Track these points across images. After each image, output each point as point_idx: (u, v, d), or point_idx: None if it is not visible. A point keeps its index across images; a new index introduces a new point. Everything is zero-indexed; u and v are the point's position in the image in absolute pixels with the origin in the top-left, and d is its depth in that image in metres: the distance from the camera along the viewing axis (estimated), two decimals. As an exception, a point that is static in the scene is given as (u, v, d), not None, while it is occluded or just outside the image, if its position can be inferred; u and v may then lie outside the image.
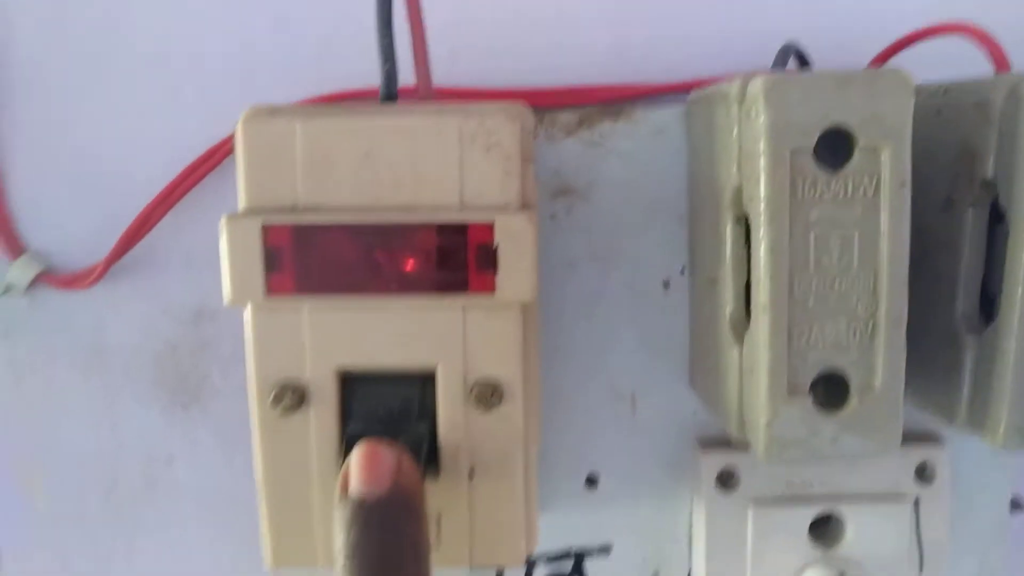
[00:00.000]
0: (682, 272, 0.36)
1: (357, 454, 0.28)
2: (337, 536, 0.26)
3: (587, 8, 0.38)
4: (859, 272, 0.28)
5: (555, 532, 0.38)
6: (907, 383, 0.34)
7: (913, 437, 0.37)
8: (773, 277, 0.28)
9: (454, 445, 0.31)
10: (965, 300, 0.31)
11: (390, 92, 0.32)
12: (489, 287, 0.29)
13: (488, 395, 0.30)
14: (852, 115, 0.27)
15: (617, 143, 0.35)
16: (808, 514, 0.37)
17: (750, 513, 0.36)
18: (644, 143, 0.35)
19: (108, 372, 0.39)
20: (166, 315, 0.39)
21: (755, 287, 0.28)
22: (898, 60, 0.36)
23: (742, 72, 0.29)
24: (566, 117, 0.35)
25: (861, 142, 0.27)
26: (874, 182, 0.27)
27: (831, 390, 0.29)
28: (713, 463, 0.37)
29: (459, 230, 0.29)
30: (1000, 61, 0.32)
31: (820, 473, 0.37)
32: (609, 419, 0.37)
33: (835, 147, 0.27)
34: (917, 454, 0.37)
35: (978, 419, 0.30)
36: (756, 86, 0.27)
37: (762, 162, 0.27)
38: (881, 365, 0.28)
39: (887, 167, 0.27)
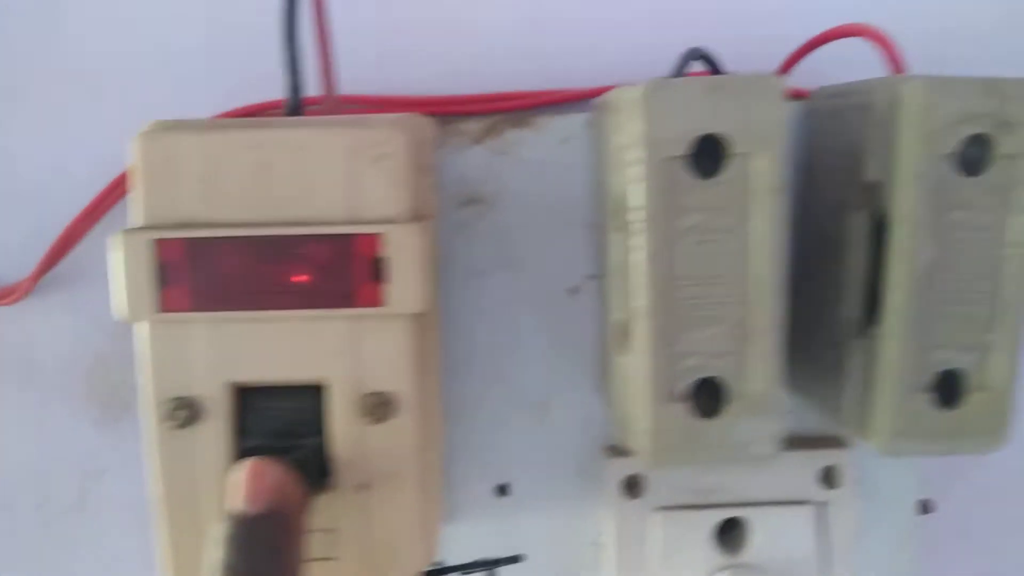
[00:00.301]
0: (591, 278, 0.37)
1: (240, 472, 0.28)
2: (213, 553, 0.26)
3: (497, 17, 0.38)
4: (734, 279, 0.28)
5: (466, 542, 0.38)
6: (800, 387, 0.35)
7: (818, 441, 0.37)
8: (650, 285, 0.28)
9: (347, 459, 0.31)
10: (849, 304, 0.31)
11: (295, 104, 0.32)
12: (377, 299, 0.29)
13: (379, 408, 0.30)
14: (724, 122, 0.27)
15: (524, 151, 0.35)
16: (713, 520, 0.37)
17: (656, 520, 0.37)
18: (550, 151, 0.35)
19: (39, 386, 0.39)
20: (96, 328, 0.39)
21: (633, 294, 0.29)
22: (809, 63, 0.36)
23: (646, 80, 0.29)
24: (472, 126, 0.35)
25: (734, 149, 0.27)
26: (748, 189, 0.28)
27: (710, 396, 0.29)
28: (618, 470, 0.37)
29: (344, 242, 0.29)
30: (896, 63, 0.32)
31: (726, 479, 0.37)
32: (519, 427, 0.37)
33: (711, 154, 0.27)
34: (822, 458, 0.37)
35: (863, 423, 0.30)
36: (630, 94, 0.27)
37: (637, 170, 0.27)
38: (759, 371, 0.28)
39: (761, 174, 0.27)
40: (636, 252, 0.28)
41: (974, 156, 0.28)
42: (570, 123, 0.36)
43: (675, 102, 0.27)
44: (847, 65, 0.34)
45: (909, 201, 0.28)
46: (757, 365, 0.28)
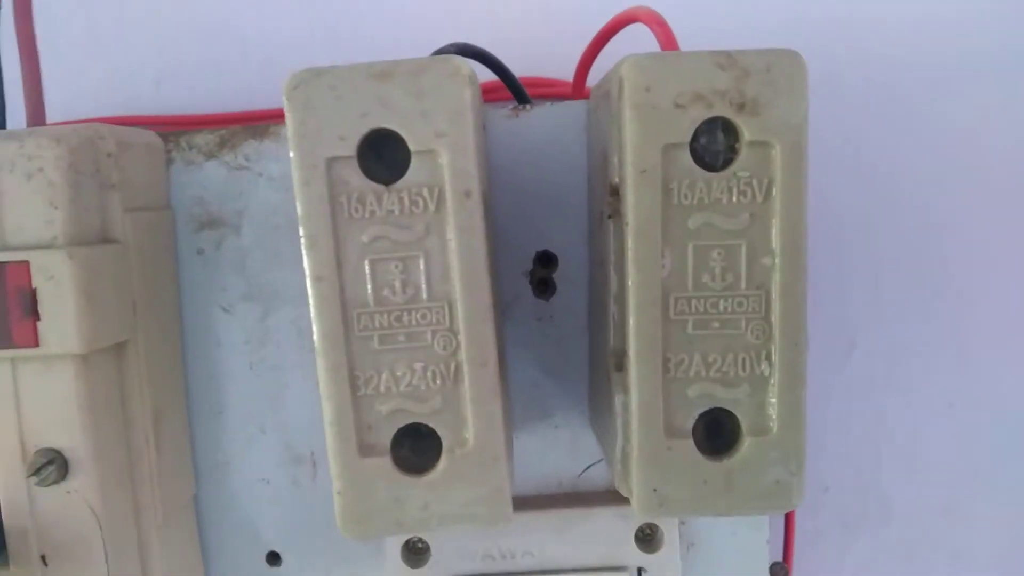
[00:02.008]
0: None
1: None
2: None
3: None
4: (430, 303, 0.23)
5: (235, 618, 0.33)
6: (595, 430, 0.29)
7: (636, 496, 0.31)
8: (318, 315, 0.23)
9: (20, 526, 0.26)
10: (613, 331, 0.25)
11: (-3, 121, 0.29)
12: (32, 339, 0.25)
13: (46, 467, 0.26)
14: (396, 115, 0.22)
15: (266, 165, 0.31)
16: (511, 591, 0.31)
17: (442, 591, 0.31)
18: (298, 165, 0.31)
19: None
20: None
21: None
22: (607, 65, 0.32)
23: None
24: (204, 138, 0.31)
25: (413, 146, 0.22)
26: (435, 194, 0.23)
27: (416, 448, 0.24)
28: (397, 532, 0.31)
29: (-7, 271, 0.25)
30: (668, 45, 0.27)
31: (527, 541, 0.31)
32: (287, 485, 0.32)
33: (388, 154, 0.23)
34: (637, 516, 0.31)
35: (623, 476, 0.25)
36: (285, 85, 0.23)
37: (294, 175, 0.23)
38: (470, 415, 0.23)
39: (447, 174, 0.22)
40: (306, 274, 0.23)
41: (716, 146, 0.23)
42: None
43: (333, 92, 0.22)
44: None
45: (636, 203, 0.23)
46: (469, 408, 0.23)
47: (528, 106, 0.31)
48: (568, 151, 0.31)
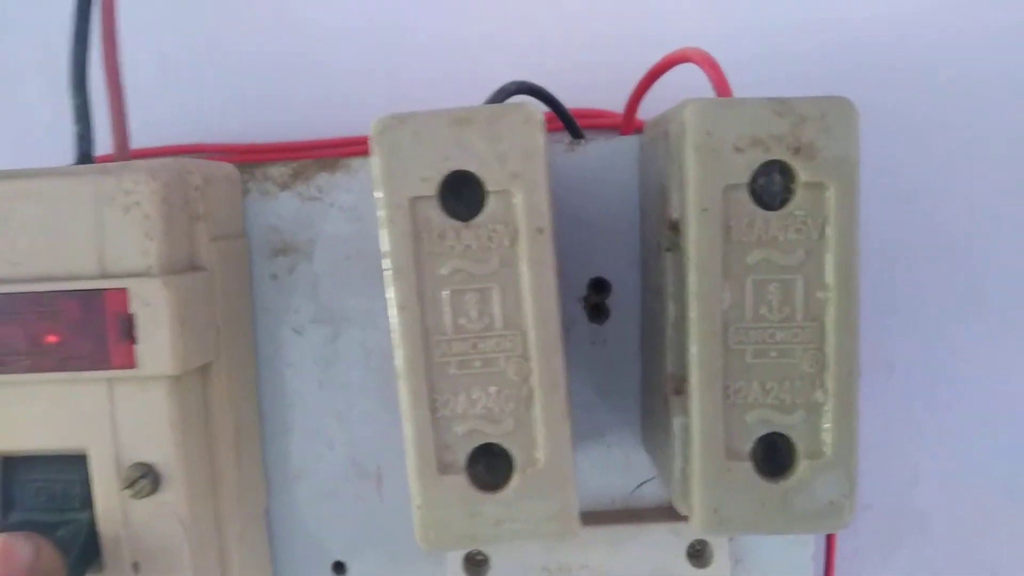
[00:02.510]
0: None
1: None
2: None
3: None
4: (504, 331, 0.25)
5: (302, 626, 0.35)
6: (651, 454, 0.31)
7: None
8: (403, 343, 0.25)
9: (114, 536, 0.28)
10: (671, 356, 0.27)
11: (83, 153, 0.31)
12: (130, 360, 0.27)
13: (140, 481, 0.27)
14: (475, 158, 0.24)
15: (337, 196, 0.33)
16: (566, 602, 0.33)
17: (501, 602, 0.33)
18: (365, 196, 0.33)
19: None
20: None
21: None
22: (656, 97, 0.33)
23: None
24: (279, 170, 0.33)
25: (490, 187, 0.24)
26: (510, 230, 0.24)
27: (490, 467, 0.25)
28: (458, 545, 0.33)
29: (95, 298, 0.27)
30: (722, 88, 0.29)
31: (584, 555, 0.33)
32: (353, 499, 0.34)
33: (466, 193, 0.24)
34: (689, 532, 0.33)
35: (686, 496, 0.26)
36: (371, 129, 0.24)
37: (381, 213, 0.24)
38: (541, 436, 0.25)
39: (521, 212, 0.24)
40: (390, 304, 0.25)
41: (773, 187, 0.24)
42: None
43: (419, 137, 0.24)
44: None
45: (697, 239, 0.24)
46: (542, 430, 0.25)
47: (583, 141, 0.32)
48: (621, 183, 0.32)
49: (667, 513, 0.33)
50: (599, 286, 0.33)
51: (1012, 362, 0.40)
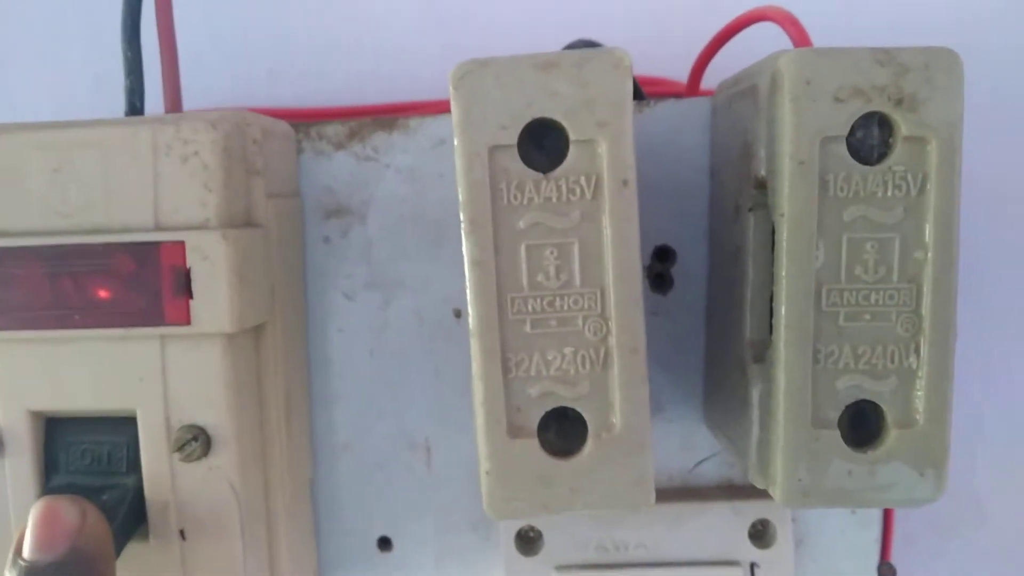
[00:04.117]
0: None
1: (33, 513, 0.25)
2: None
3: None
4: (583, 289, 0.23)
5: (346, 602, 0.33)
6: (717, 425, 0.30)
7: (750, 490, 0.31)
8: (476, 297, 0.23)
9: (161, 501, 0.27)
10: (752, 322, 0.26)
11: (134, 106, 0.30)
12: (185, 317, 0.26)
13: (192, 443, 0.26)
14: (560, 105, 0.23)
15: (394, 157, 0.32)
16: (622, 582, 0.31)
17: (555, 579, 0.31)
18: (423, 156, 0.31)
19: None
20: None
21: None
22: (717, 67, 0.32)
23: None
24: (334, 129, 0.32)
25: (574, 136, 0.23)
26: (592, 183, 0.23)
27: (569, 430, 0.24)
28: (510, 522, 0.32)
29: (149, 251, 0.26)
30: (803, 43, 0.27)
31: (640, 533, 0.32)
32: (401, 471, 0.33)
33: (547, 143, 0.23)
34: (753, 510, 0.31)
35: (764, 467, 0.25)
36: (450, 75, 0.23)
37: (457, 162, 0.23)
38: (617, 400, 0.24)
39: (605, 163, 0.23)
40: (465, 258, 0.24)
41: (872, 140, 0.23)
42: (445, 125, 0.31)
43: (498, 82, 0.23)
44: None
45: (792, 195, 0.23)
46: (618, 394, 0.24)
47: (651, 102, 0.31)
48: (689, 148, 0.31)
49: (728, 492, 0.32)
50: (663, 254, 0.32)
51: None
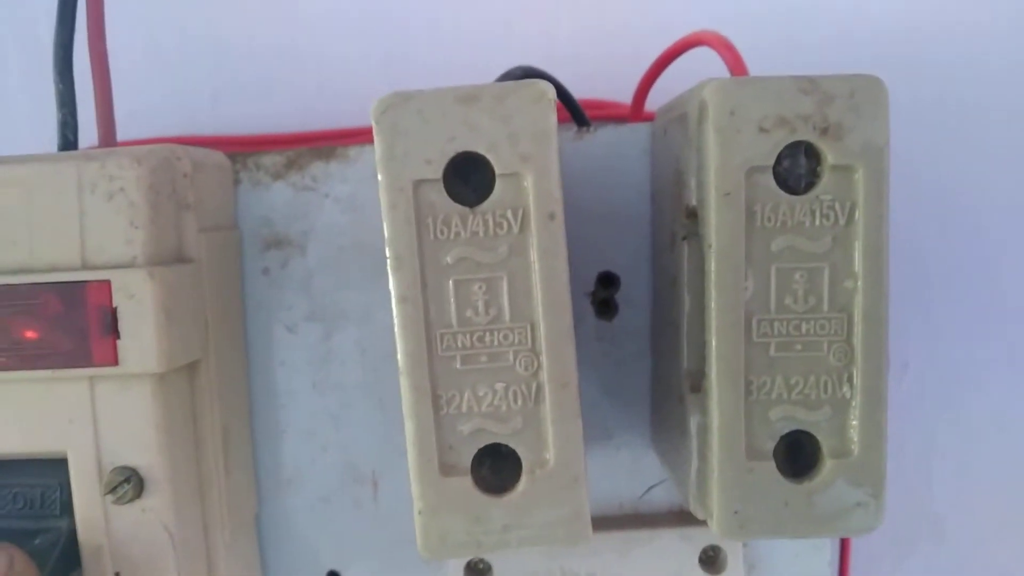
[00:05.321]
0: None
1: None
2: None
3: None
4: (512, 324, 0.23)
5: (295, 638, 0.33)
6: (662, 455, 0.29)
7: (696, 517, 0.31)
8: (403, 336, 0.23)
9: (95, 544, 0.26)
10: (689, 352, 0.25)
11: (67, 140, 0.29)
12: (112, 357, 0.25)
13: (122, 485, 0.26)
14: (483, 138, 0.22)
15: (333, 186, 0.31)
16: (573, 612, 0.31)
17: (504, 612, 0.31)
18: (363, 185, 0.31)
19: None
20: None
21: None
22: (663, 88, 0.32)
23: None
24: (272, 159, 0.31)
25: (499, 169, 0.23)
26: (519, 216, 0.23)
27: (503, 466, 0.24)
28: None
29: (76, 291, 0.25)
30: (738, 71, 0.27)
31: (588, 563, 0.31)
32: (347, 505, 0.32)
33: (473, 177, 0.23)
34: (701, 537, 0.31)
35: (703, 499, 0.25)
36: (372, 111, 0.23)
37: (382, 198, 0.23)
38: (551, 435, 0.23)
39: (532, 197, 0.23)
40: (392, 295, 0.23)
41: (799, 170, 0.23)
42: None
43: (420, 116, 0.22)
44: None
45: (719, 225, 0.23)
46: (551, 429, 0.23)
47: (591, 128, 0.31)
48: (631, 173, 0.31)
49: (678, 518, 0.32)
50: (607, 280, 0.31)
51: (1028, 361, 0.38)
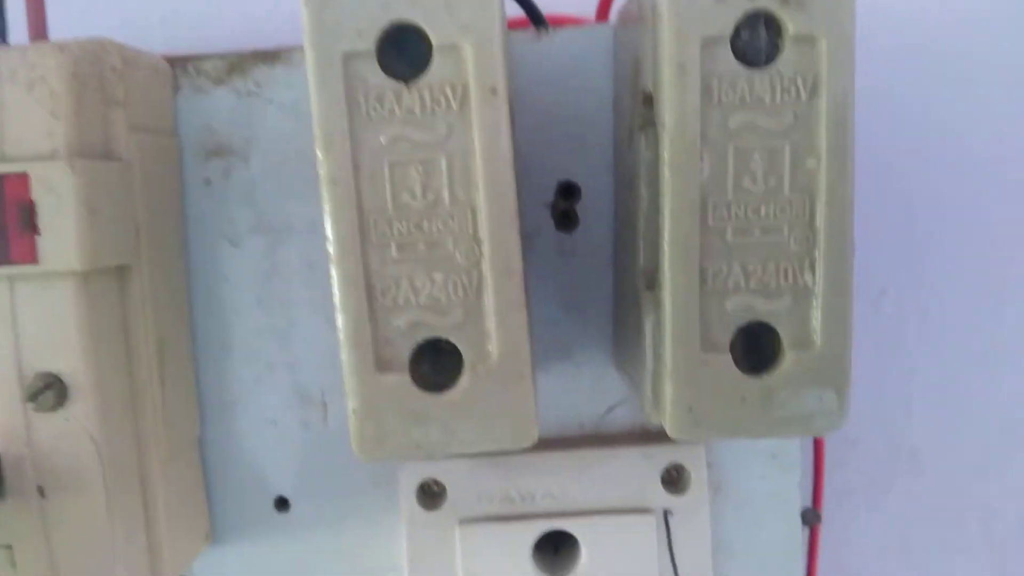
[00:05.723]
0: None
1: None
2: None
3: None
4: (452, 209, 0.22)
5: (242, 567, 0.32)
6: (620, 363, 0.28)
7: (663, 435, 0.30)
8: (335, 220, 0.22)
9: (16, 455, 0.25)
10: (645, 248, 0.24)
11: (-6, 36, 0.28)
12: (31, 255, 0.24)
13: (44, 392, 0.24)
14: (418, 6, 0.21)
15: (277, 92, 0.30)
16: (531, 534, 0.30)
17: (460, 535, 0.30)
18: (308, 90, 0.29)
19: None
20: None
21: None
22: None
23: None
24: (213, 64, 0.29)
25: (436, 40, 0.21)
26: (459, 92, 0.21)
27: (443, 362, 0.22)
28: (413, 474, 0.30)
29: (-9, 183, 0.24)
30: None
31: (547, 483, 0.30)
32: (296, 427, 0.31)
33: (409, 50, 0.21)
34: (663, 456, 0.30)
35: (658, 400, 0.23)
36: None
37: (309, 73, 0.21)
38: (493, 328, 0.22)
39: (471, 70, 0.21)
40: (321, 178, 0.22)
41: (758, 42, 0.21)
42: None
43: (351, -19, 0.21)
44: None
45: (673, 102, 0.21)
46: (495, 322, 0.22)
47: (550, 31, 0.29)
48: (593, 77, 0.29)
49: (641, 437, 0.31)
50: (568, 191, 0.30)
51: (1010, 288, 0.37)
